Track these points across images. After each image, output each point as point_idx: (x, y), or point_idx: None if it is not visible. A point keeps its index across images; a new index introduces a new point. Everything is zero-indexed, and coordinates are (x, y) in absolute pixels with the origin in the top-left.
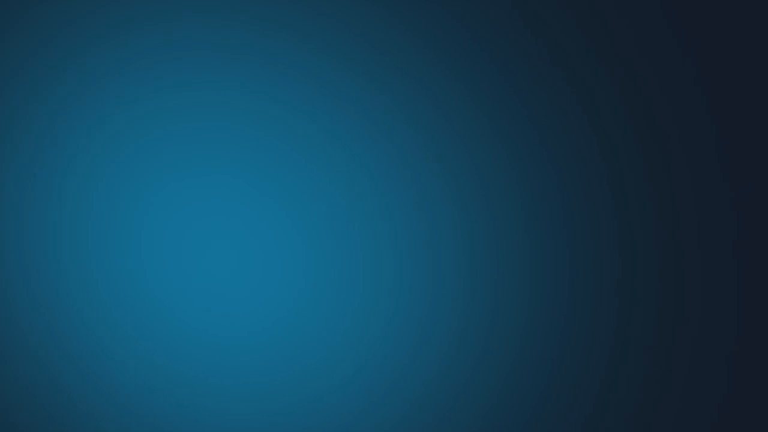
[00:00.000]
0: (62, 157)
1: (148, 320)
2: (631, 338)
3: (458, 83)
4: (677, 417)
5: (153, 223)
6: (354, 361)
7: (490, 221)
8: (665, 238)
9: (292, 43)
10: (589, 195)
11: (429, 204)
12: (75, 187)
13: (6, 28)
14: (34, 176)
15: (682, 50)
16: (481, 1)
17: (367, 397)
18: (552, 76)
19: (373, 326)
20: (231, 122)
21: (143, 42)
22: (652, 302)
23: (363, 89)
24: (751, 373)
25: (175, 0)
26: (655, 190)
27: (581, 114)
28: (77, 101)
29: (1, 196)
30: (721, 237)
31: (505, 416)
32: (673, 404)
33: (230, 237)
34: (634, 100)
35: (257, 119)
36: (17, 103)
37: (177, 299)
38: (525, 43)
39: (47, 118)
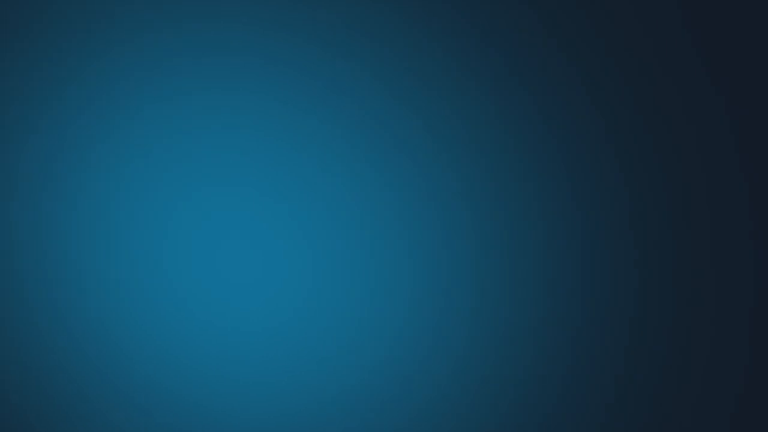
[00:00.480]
0: (77, 159)
1: (163, 321)
2: (647, 336)
3: (469, 81)
4: (693, 419)
5: (168, 224)
6: (367, 362)
7: (503, 221)
8: (680, 236)
9: (301, 44)
10: (602, 193)
11: (441, 204)
12: (91, 189)
13: (21, 34)
14: (51, 178)
15: (695, 48)
16: None
17: (380, 399)
18: (564, 73)
19: (386, 327)
20: (242, 124)
21: (156, 46)
22: (668, 300)
23: (374, 90)
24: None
25: (186, 4)
26: (670, 187)
27: (593, 113)
28: (89, 107)
29: (22, 196)
30: (736, 237)
31: (520, 416)
32: (689, 407)
33: (247, 238)
34: (649, 100)
35: (267, 121)
36: (34, 108)
37: (191, 299)
38: (537, 40)
39: (61, 123)
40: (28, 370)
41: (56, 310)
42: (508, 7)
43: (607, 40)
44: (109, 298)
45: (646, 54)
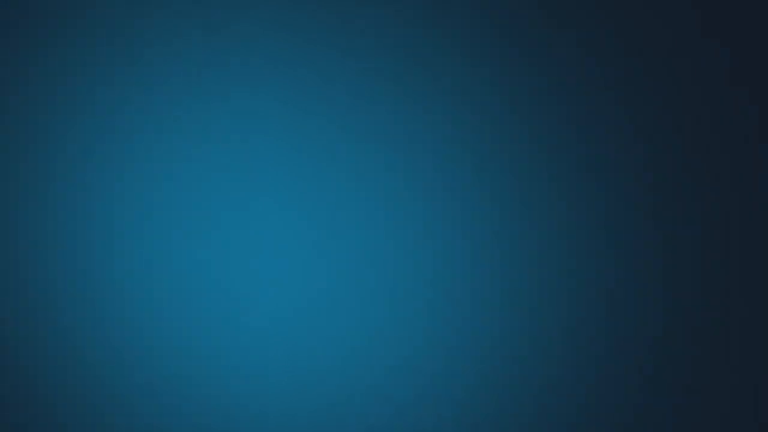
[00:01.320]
0: (77, 160)
1: (169, 321)
2: (668, 341)
3: (477, 80)
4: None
5: (173, 224)
6: (377, 363)
7: (524, 222)
8: (706, 243)
9: (309, 45)
10: (625, 191)
11: (451, 203)
12: (90, 189)
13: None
14: (75, 180)
15: (714, 42)
16: None
17: (391, 400)
18: (580, 71)
19: (395, 328)
20: (247, 125)
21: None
22: (691, 304)
23: (378, 89)
24: None
25: (190, 7)
26: (695, 194)
27: (615, 114)
28: (87, 111)
29: (52, 196)
30: (762, 245)
31: (536, 422)
32: (714, 411)
33: (262, 239)
34: (670, 102)
35: (270, 122)
36: (60, 112)
37: (202, 299)
38: (549, 38)
39: (94, 127)
40: (42, 369)
41: (74, 310)
42: (535, 5)
43: (626, 38)
44: (110, 298)
45: (664, 54)
